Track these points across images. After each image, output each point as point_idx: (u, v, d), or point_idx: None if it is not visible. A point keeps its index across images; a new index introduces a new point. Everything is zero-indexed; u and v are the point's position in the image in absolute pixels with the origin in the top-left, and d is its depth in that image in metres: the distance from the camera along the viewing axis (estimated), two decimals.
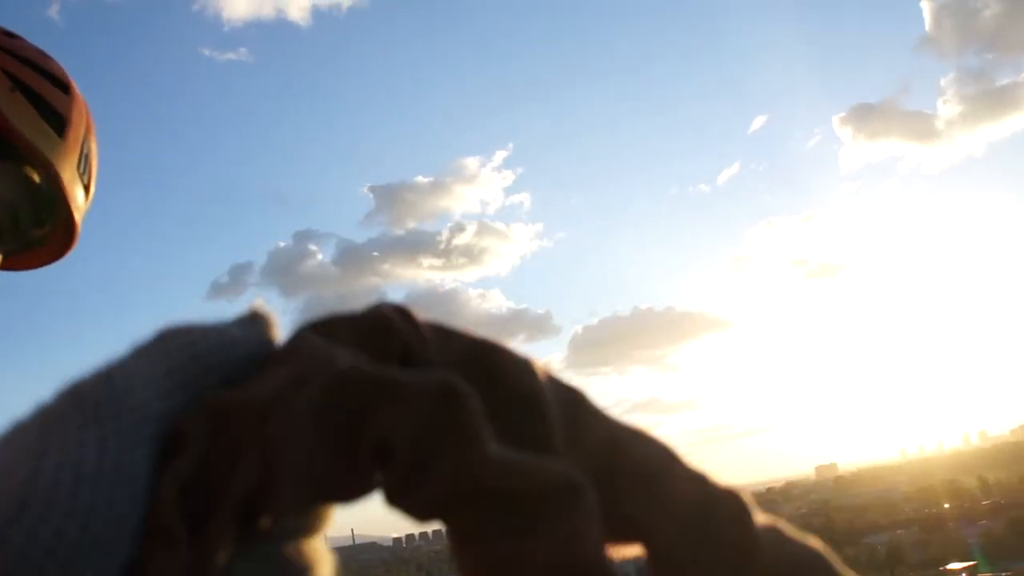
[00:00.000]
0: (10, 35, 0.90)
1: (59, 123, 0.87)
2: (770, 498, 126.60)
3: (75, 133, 0.89)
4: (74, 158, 0.88)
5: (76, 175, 0.89)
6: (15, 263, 0.92)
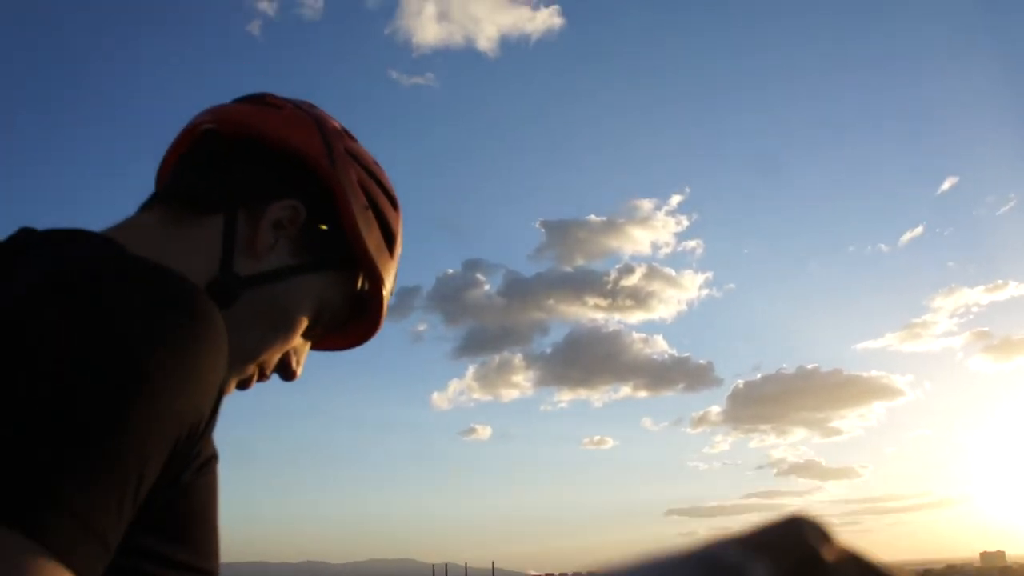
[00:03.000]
0: (351, 137, 0.93)
1: (391, 240, 0.92)
2: None
3: (399, 249, 0.94)
4: (395, 271, 0.94)
5: (393, 286, 0.94)
6: (320, 344, 0.97)
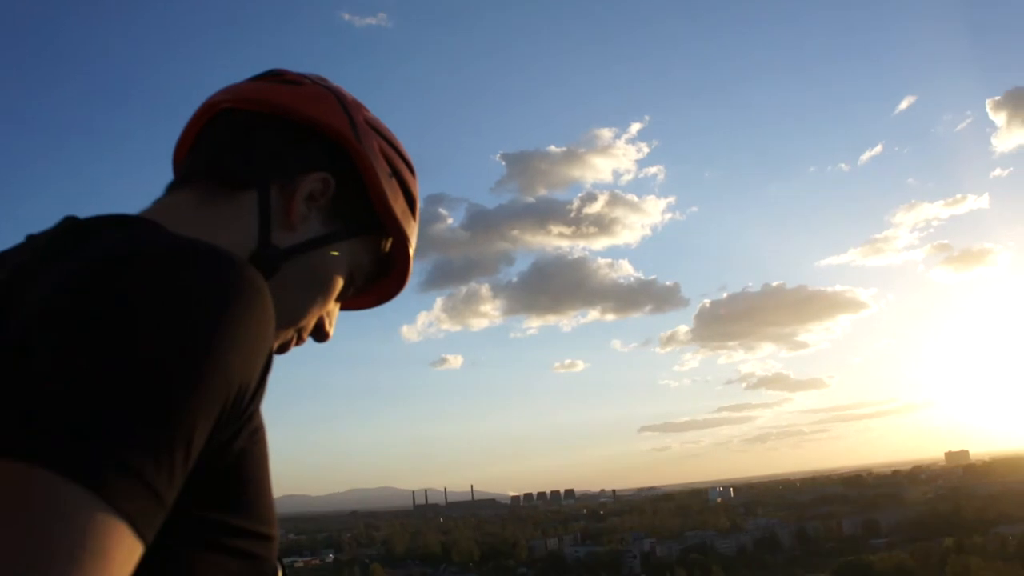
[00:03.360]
0: (365, 108, 0.97)
1: (413, 205, 0.98)
2: (896, 481, 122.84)
3: (418, 211, 1.01)
4: (416, 232, 1.00)
5: (416, 246, 1.01)
6: (349, 304, 1.04)
